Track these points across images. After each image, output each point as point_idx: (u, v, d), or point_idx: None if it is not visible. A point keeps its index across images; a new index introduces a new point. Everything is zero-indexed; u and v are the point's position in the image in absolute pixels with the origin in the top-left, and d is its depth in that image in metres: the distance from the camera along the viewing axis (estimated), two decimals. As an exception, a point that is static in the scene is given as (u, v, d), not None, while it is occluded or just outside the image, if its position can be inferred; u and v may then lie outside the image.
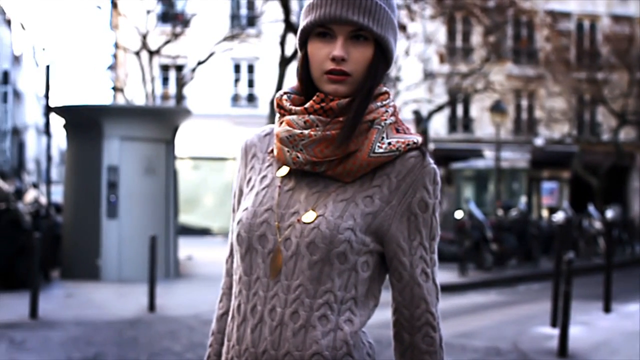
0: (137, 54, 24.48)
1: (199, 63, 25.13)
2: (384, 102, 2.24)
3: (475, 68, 32.24)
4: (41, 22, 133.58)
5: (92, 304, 13.69)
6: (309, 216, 2.17)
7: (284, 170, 2.26)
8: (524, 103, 40.84)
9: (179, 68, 34.00)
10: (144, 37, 24.22)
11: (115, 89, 34.46)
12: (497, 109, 29.13)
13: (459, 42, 39.11)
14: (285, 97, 2.28)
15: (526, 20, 37.57)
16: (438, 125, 37.80)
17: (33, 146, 75.03)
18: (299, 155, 2.19)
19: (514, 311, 14.55)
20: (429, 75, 32.69)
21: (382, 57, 2.22)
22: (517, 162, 36.04)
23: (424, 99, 31.89)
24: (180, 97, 27.17)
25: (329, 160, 2.18)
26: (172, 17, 29.19)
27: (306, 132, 2.18)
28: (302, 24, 2.22)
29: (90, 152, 17.03)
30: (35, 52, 79.89)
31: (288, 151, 2.20)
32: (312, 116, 2.19)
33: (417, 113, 28.89)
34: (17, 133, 61.01)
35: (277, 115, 2.29)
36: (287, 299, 2.16)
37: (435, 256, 2.26)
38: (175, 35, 25.39)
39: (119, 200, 16.92)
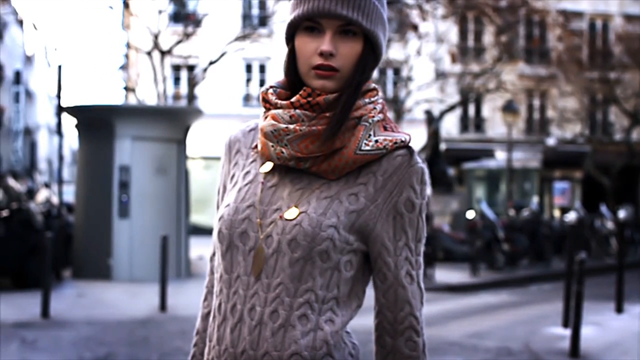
0: (149, 54, 24.48)
1: (211, 63, 25.12)
2: (372, 99, 2.19)
3: (487, 68, 32.19)
4: (53, 22, 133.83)
5: (103, 304, 13.71)
6: (291, 213, 2.12)
7: (268, 166, 2.21)
8: (536, 103, 40.77)
9: (191, 68, 34.02)
10: (156, 37, 24.22)
11: (127, 88, 34.49)
12: (509, 108, 29.07)
13: (470, 42, 39.05)
14: (271, 90, 2.23)
15: (538, 19, 37.47)
16: (450, 125, 37.75)
17: (45, 146, 75.27)
18: (283, 150, 2.14)
19: (525, 311, 14.51)
20: (440, 75, 32.64)
21: (371, 52, 2.17)
22: (529, 162, 35.92)
23: (436, 98, 31.82)
24: (191, 97, 27.17)
25: (314, 157, 2.13)
26: (183, 17, 29.17)
27: (291, 126, 2.13)
28: (290, 17, 2.17)
29: (102, 151, 17.06)
30: (47, 52, 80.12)
31: (272, 146, 2.15)
32: (298, 111, 2.14)
33: (428, 113, 28.83)
34: (29, 133, 61.18)
35: (263, 109, 2.24)
36: (267, 298, 2.10)
37: (421, 259, 2.20)
38: (187, 35, 25.37)
39: (130, 200, 16.94)
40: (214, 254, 2.30)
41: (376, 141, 2.14)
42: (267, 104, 2.22)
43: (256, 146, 2.25)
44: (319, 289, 2.10)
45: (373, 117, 2.17)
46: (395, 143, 2.15)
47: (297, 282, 2.09)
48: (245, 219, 2.16)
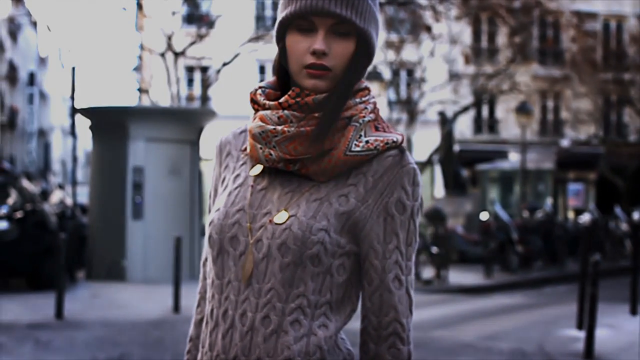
0: (162, 55, 24.53)
1: (224, 64, 25.15)
2: (364, 99, 2.14)
3: (501, 69, 32.14)
4: (67, 23, 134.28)
5: (117, 305, 13.73)
6: (280, 217, 2.07)
7: (258, 168, 2.15)
8: (550, 104, 40.67)
9: (204, 69, 34.07)
10: (169, 38, 24.26)
11: (140, 90, 34.57)
12: (522, 110, 29.03)
13: (484, 43, 38.99)
14: (259, 91, 2.18)
15: (552, 20, 37.40)
16: (463, 127, 37.67)
17: (59, 147, 75.51)
18: (271, 152, 2.09)
19: (539, 313, 14.48)
20: (454, 76, 32.60)
21: (364, 52, 2.12)
22: (542, 164, 35.88)
23: (449, 100, 31.78)
24: (205, 98, 27.22)
25: (303, 158, 2.08)
26: (197, 18, 29.22)
27: (279, 128, 2.08)
28: (281, 15, 2.12)
29: (115, 153, 17.11)
30: (61, 54, 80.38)
31: (261, 148, 2.10)
32: (286, 111, 2.09)
33: (442, 114, 28.79)
34: (43, 134, 61.42)
35: (252, 111, 2.19)
36: (258, 303, 2.06)
37: (412, 264, 2.13)
38: (200, 37, 25.41)
39: (144, 201, 16.98)
40: (206, 260, 2.25)
41: (367, 142, 2.09)
42: (256, 105, 2.17)
43: (246, 148, 2.20)
44: (311, 293, 2.06)
45: (364, 117, 2.11)
46: (387, 144, 2.10)
47: (288, 287, 2.05)
48: (235, 224, 2.11)
